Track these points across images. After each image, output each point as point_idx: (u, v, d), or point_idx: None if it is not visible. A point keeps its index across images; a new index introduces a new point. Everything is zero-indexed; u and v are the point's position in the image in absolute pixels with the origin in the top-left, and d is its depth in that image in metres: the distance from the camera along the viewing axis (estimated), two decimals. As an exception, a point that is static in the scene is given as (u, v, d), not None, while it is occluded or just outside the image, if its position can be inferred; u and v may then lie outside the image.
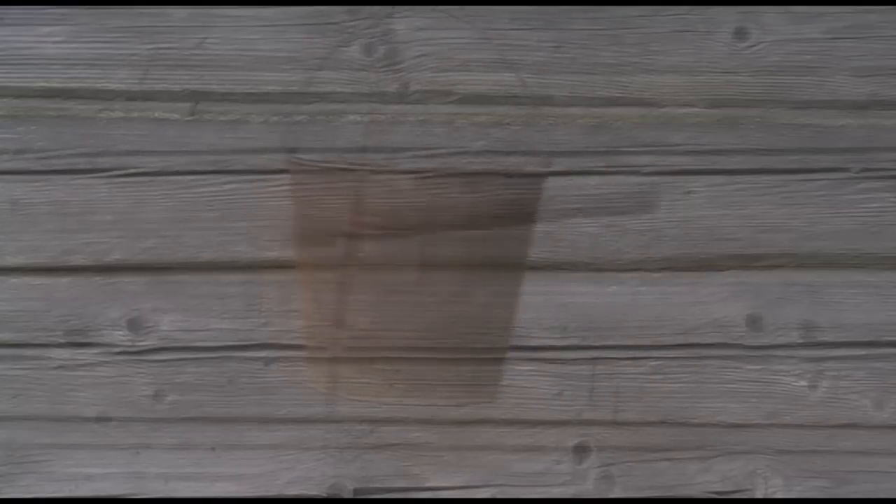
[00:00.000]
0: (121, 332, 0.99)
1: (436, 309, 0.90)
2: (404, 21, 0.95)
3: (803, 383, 0.99)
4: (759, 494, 1.00)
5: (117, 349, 0.99)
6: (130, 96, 0.96)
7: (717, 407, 0.99)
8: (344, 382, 0.93)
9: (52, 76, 0.96)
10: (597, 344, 0.98)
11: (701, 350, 0.99)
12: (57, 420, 1.00)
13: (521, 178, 0.92)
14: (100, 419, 1.00)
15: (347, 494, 1.01)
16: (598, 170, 0.96)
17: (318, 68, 0.86)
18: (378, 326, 0.91)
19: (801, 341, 0.98)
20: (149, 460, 1.01)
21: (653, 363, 0.99)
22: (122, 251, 0.98)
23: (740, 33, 0.94)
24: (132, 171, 0.97)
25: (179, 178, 0.97)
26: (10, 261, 0.98)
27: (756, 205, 0.96)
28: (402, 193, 0.89)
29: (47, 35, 0.95)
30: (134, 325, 0.99)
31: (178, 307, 0.99)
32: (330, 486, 1.01)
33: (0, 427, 1.00)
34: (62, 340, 0.99)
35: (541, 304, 0.98)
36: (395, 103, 0.96)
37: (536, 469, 1.00)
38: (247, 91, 0.96)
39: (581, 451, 1.00)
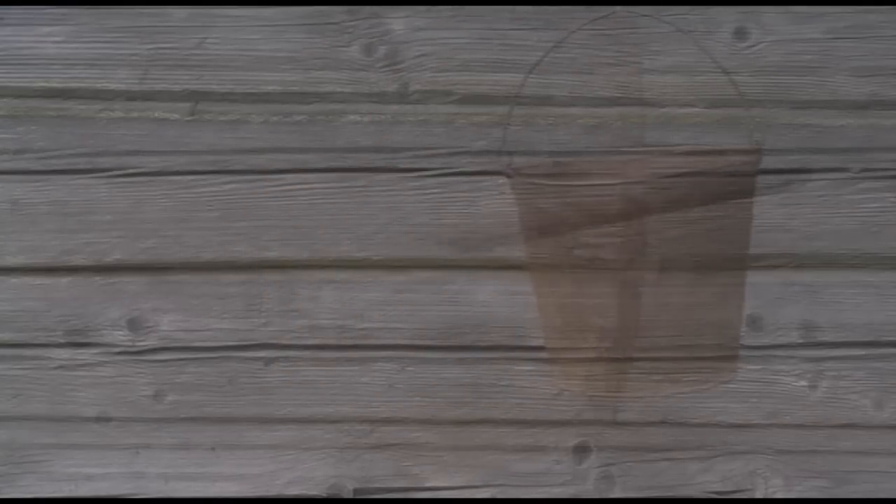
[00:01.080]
0: (121, 332, 0.99)
1: (673, 308, 0.91)
2: (404, 21, 0.95)
3: (803, 383, 0.99)
4: (759, 494, 1.00)
5: (117, 349, 0.99)
6: (130, 96, 0.96)
7: (717, 407, 0.99)
8: (593, 381, 0.95)
9: (52, 76, 0.96)
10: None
11: (701, 350, 0.99)
12: (57, 420, 1.00)
13: (736, 176, 0.93)
14: (100, 419, 1.00)
15: (347, 494, 1.01)
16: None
17: (529, 73, 0.87)
18: (616, 326, 0.92)
19: (801, 341, 0.98)
20: (149, 460, 1.01)
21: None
22: (122, 251, 0.98)
23: (740, 33, 0.94)
24: (132, 171, 0.97)
25: (179, 178, 0.97)
26: (10, 261, 0.98)
27: (756, 205, 0.96)
28: (634, 199, 0.89)
29: (47, 35, 0.95)
30: (134, 325, 0.99)
31: (178, 307, 0.99)
32: (330, 486, 1.01)
33: (0, 427, 1.00)
34: (62, 340, 0.99)
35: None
36: (395, 103, 0.96)
37: (536, 469, 1.00)
38: (247, 91, 0.96)
39: (581, 451, 1.00)
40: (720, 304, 0.94)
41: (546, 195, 0.91)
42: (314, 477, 1.01)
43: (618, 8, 0.92)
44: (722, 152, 0.94)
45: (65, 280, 0.99)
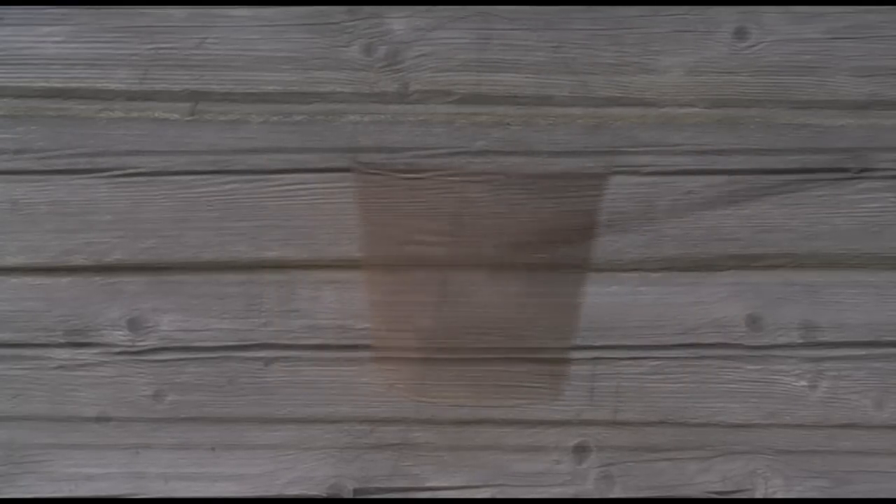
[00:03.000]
0: (121, 332, 0.99)
1: (501, 311, 0.91)
2: (404, 21, 0.95)
3: (803, 383, 0.99)
4: (759, 494, 1.00)
5: (117, 349, 0.99)
6: (130, 96, 0.96)
7: (717, 407, 0.99)
8: (411, 384, 0.94)
9: (52, 76, 0.96)
10: (597, 344, 0.98)
11: (701, 350, 0.99)
12: (57, 420, 1.00)
13: (583, 181, 0.93)
14: (100, 419, 1.00)
15: (347, 494, 1.01)
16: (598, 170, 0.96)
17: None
18: (444, 328, 0.92)
19: (801, 341, 0.98)
20: (149, 460, 1.01)
21: (653, 363, 0.99)
22: (122, 251, 0.98)
23: (740, 33, 0.94)
24: (132, 171, 0.97)
25: (179, 178, 0.97)
26: (10, 261, 0.98)
27: (756, 205, 0.96)
28: (470, 199, 0.89)
29: (47, 35, 0.95)
30: (134, 325, 0.99)
31: (178, 307, 0.99)
32: (330, 486, 1.01)
33: (0, 427, 1.01)
34: (62, 340, 0.99)
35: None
36: (395, 103, 0.96)
37: (536, 469, 1.00)
38: (247, 91, 0.96)
39: (581, 451, 1.00)
40: (555, 309, 0.93)
41: (388, 189, 0.90)
42: (314, 477, 1.01)
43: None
44: (506, 154, 0.94)
45: (65, 280, 0.99)
